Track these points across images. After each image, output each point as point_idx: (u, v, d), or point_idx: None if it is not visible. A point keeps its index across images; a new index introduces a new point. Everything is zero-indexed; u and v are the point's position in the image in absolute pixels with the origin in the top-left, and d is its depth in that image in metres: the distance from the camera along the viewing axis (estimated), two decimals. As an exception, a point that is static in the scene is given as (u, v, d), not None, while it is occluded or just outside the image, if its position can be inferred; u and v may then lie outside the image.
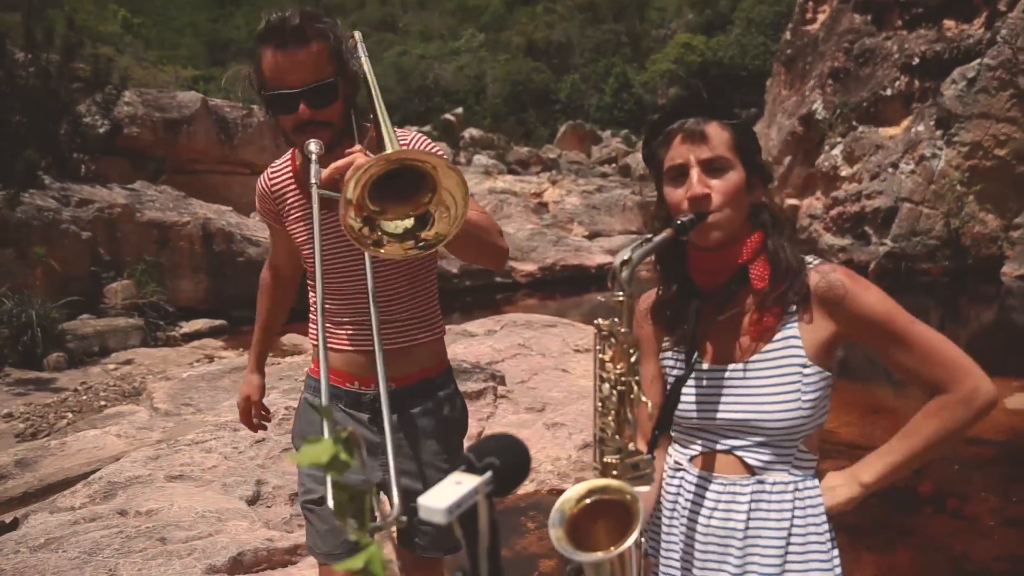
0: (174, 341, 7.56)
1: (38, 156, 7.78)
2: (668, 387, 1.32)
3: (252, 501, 3.11)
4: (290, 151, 1.82)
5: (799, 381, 1.24)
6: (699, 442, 1.31)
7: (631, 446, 1.14)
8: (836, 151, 11.96)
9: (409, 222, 1.36)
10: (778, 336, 1.26)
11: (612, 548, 0.99)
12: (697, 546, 1.29)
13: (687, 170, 1.24)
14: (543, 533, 3.19)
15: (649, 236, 1.19)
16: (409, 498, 1.77)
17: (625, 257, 1.16)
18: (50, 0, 10.17)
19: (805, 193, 12.86)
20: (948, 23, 11.03)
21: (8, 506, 3.21)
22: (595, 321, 1.19)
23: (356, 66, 1.66)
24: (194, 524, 2.74)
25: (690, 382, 1.30)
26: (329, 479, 1.33)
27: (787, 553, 1.25)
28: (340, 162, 1.47)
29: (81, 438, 3.96)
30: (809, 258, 1.30)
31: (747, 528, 1.25)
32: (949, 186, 10.36)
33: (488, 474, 0.77)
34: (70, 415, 4.96)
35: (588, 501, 1.04)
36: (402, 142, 1.63)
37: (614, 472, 1.13)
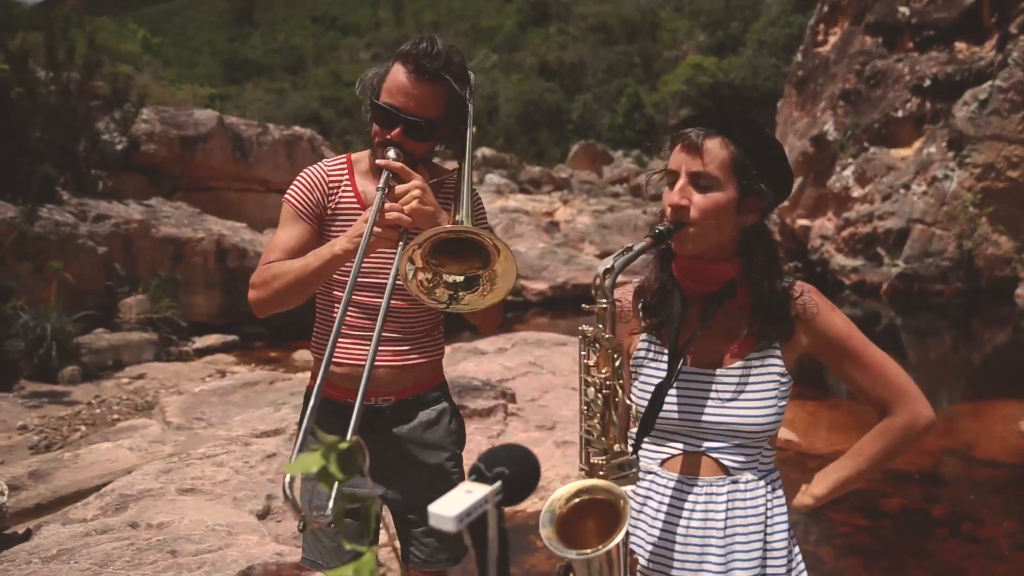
0: (187, 356, 7.61)
1: (56, 172, 7.89)
2: (648, 389, 1.34)
3: (262, 515, 3.12)
4: (345, 157, 1.85)
5: (777, 389, 1.32)
6: (673, 445, 1.34)
7: (616, 447, 1.19)
8: (848, 172, 11.95)
9: (460, 278, 1.47)
10: (760, 347, 1.34)
11: (600, 546, 1.02)
12: (677, 547, 1.32)
13: (677, 178, 1.29)
14: (551, 551, 3.19)
15: (631, 246, 1.24)
16: (411, 511, 1.80)
17: (608, 266, 1.22)
18: (72, 20, 10.36)
19: (816, 214, 12.83)
20: (959, 45, 11.05)
21: (21, 517, 3.23)
22: (580, 327, 1.24)
23: (464, 119, 1.73)
24: (204, 537, 2.75)
25: (663, 382, 1.33)
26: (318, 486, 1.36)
27: (766, 547, 1.31)
28: (404, 187, 1.58)
29: (94, 451, 3.99)
30: (787, 281, 1.36)
31: (725, 528, 1.30)
32: (962, 207, 10.32)
33: (498, 483, 0.78)
34: (83, 428, 5.00)
35: (577, 500, 1.07)
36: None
37: (601, 472, 1.17)
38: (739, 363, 1.32)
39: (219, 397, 5.19)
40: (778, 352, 1.33)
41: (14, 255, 6.86)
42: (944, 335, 9.41)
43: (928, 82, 11.14)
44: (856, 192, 11.77)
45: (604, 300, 1.20)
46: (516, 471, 0.79)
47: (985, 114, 10.18)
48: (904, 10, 11.72)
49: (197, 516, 2.94)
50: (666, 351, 1.35)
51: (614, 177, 25.26)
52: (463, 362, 6.27)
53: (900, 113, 11.47)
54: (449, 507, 0.71)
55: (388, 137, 1.66)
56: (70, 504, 3.24)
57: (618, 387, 1.18)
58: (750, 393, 1.31)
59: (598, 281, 1.21)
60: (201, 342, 8.03)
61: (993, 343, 8.93)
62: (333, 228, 1.77)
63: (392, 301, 1.72)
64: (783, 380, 1.32)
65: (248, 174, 10.80)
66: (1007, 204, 10.13)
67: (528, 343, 7.03)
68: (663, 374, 1.32)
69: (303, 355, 7.40)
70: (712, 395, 1.32)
